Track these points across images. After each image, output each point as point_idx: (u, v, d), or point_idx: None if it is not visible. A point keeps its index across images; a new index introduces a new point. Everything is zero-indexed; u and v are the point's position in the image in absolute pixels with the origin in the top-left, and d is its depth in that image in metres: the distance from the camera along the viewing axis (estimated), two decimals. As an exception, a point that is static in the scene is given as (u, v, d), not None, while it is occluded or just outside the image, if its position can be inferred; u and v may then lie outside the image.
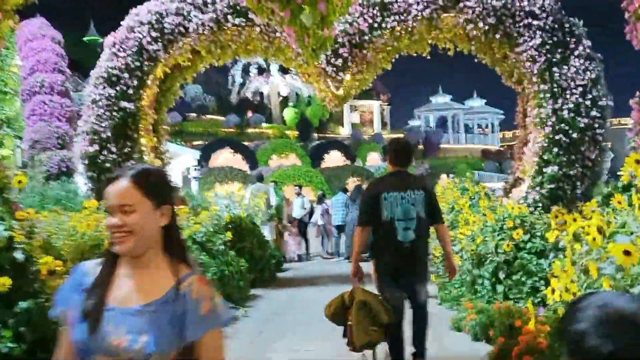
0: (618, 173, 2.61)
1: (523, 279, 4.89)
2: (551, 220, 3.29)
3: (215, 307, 1.30)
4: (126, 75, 7.13)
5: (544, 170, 6.58)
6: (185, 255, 1.37)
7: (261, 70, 35.38)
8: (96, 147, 7.05)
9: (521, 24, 6.76)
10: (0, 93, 13.35)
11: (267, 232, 9.79)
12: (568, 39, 6.71)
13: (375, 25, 7.09)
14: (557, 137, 6.54)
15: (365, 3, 7.04)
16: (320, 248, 12.28)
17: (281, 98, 36.11)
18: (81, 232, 4.46)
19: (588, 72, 6.57)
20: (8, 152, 12.26)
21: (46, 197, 8.94)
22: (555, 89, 6.60)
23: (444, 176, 24.56)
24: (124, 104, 7.08)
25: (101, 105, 7.10)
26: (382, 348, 3.77)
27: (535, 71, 6.69)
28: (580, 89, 6.54)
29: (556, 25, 6.72)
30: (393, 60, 7.81)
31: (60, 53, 13.11)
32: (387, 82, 41.71)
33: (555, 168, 6.50)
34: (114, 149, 7.04)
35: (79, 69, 18.80)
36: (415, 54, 7.77)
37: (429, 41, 7.51)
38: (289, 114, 35.59)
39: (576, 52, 6.64)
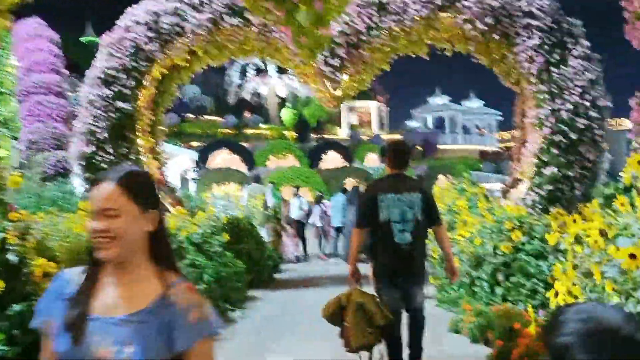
0: (620, 174, 2.58)
1: (522, 281, 4.86)
2: (551, 221, 3.26)
3: (205, 315, 1.25)
4: (122, 75, 7.09)
5: (543, 171, 6.55)
6: (172, 262, 1.32)
7: (259, 71, 35.37)
8: (92, 147, 7.00)
9: (519, 24, 6.73)
10: (-3, 93, 13.28)
11: (265, 233, 9.75)
12: (566, 39, 6.69)
13: (373, 25, 7.06)
14: (555, 138, 6.51)
15: (362, 3, 7.01)
16: (318, 249, 12.24)
17: (279, 99, 36.10)
18: (76, 234, 4.42)
19: (587, 73, 6.55)
20: (4, 153, 12.18)
21: (42, 198, 8.89)
22: (554, 90, 6.57)
23: (441, 177, 24.57)
24: (120, 104, 7.03)
25: (97, 106, 7.05)
26: (379, 349, 3.77)
27: (534, 72, 6.66)
28: (579, 89, 6.51)
29: (555, 26, 6.69)
30: (391, 60, 7.78)
31: (56, 53, 13.06)
32: (385, 83, 41.76)
33: (554, 169, 6.47)
34: (110, 150, 6.99)
35: (76, 70, 18.74)
36: (413, 55, 7.74)
37: (427, 41, 7.48)
38: (286, 115, 35.57)
39: (575, 53, 6.62)
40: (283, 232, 11.22)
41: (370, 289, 3.82)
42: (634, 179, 2.28)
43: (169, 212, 6.99)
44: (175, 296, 1.24)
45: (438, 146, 38.43)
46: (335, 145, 30.53)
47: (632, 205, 2.06)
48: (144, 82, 7.31)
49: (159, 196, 1.35)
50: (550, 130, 6.53)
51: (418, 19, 6.97)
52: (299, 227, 11.79)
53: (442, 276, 6.59)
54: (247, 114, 35.81)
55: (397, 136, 37.49)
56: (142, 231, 1.26)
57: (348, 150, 30.15)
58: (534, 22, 6.68)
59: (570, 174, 6.47)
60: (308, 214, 12.26)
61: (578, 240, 2.27)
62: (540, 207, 6.35)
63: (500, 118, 45.20)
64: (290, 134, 33.54)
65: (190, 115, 34.71)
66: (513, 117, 8.31)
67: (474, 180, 9.35)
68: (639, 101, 5.11)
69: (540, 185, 6.54)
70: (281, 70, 32.52)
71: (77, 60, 20.00)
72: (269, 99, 36.17)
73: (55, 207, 7.62)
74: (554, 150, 6.50)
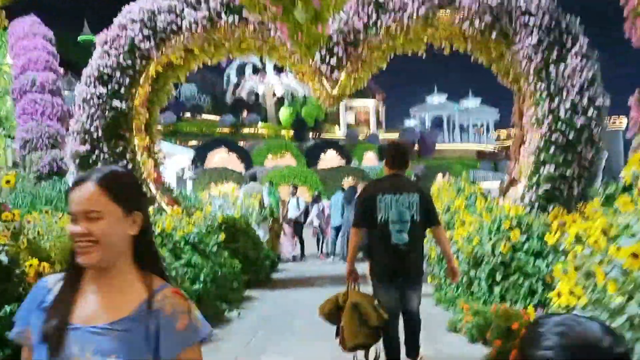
0: (621, 173, 2.55)
1: (520, 280, 4.83)
2: (551, 221, 3.23)
3: (193, 322, 1.19)
4: (118, 73, 7.03)
5: (541, 170, 6.52)
6: (158, 266, 1.26)
7: (256, 70, 35.30)
8: (87, 146, 6.95)
9: (517, 22, 6.70)
10: (-8, 92, 13.20)
11: (262, 233, 9.71)
12: (565, 37, 6.66)
13: (371, 23, 7.02)
14: (553, 137, 6.48)
15: (360, 1, 6.97)
16: (316, 249, 12.20)
17: (276, 98, 36.05)
18: (70, 233, 4.37)
19: (585, 71, 6.52)
20: (-1, 152, 12.12)
21: (37, 197, 8.82)
22: (552, 88, 6.55)
23: (439, 176, 24.55)
24: (115, 102, 6.97)
25: (92, 104, 6.99)
26: (375, 349, 3.77)
27: (532, 70, 6.63)
28: (577, 88, 6.48)
29: (553, 24, 6.66)
30: (388, 59, 7.74)
31: (51, 51, 12.97)
32: (382, 82, 41.76)
33: (552, 168, 6.45)
34: (105, 149, 6.94)
35: (73, 69, 18.67)
36: (410, 53, 7.70)
37: (425, 40, 7.44)
38: (284, 114, 35.52)
39: (573, 51, 6.59)
40: (281, 231, 11.18)
41: (368, 289, 3.81)
42: (634, 178, 2.25)
43: (165, 211, 6.94)
44: (161, 302, 1.18)
45: (436, 145, 38.44)
46: (332, 144, 30.50)
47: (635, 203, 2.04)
48: (140, 80, 7.26)
49: (143, 197, 1.30)
50: (548, 128, 6.50)
51: (416, 17, 6.93)
52: (297, 226, 11.76)
53: (440, 275, 6.57)
54: (244, 113, 35.76)
55: (395, 135, 37.50)
56: (125, 234, 1.20)
57: (345, 149, 30.11)
58: (532, 21, 6.65)
59: (568, 172, 6.44)
60: (305, 213, 12.23)
61: (579, 240, 2.23)
62: (538, 206, 6.32)
63: (497, 117, 45.23)
64: (288, 133, 33.50)
65: (188, 114, 34.64)
66: (511, 116, 8.28)
67: (471, 179, 9.33)
68: (639, 98, 5.09)
69: (538, 184, 6.51)
70: (279, 69, 32.46)
71: (74, 59, 19.92)
72: (266, 98, 36.12)
73: (50, 206, 7.56)
74: (552, 149, 6.47)
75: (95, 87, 7.01)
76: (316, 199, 12.78)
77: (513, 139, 8.36)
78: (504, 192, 7.61)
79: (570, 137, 6.45)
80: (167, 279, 1.25)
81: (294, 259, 11.33)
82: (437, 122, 43.82)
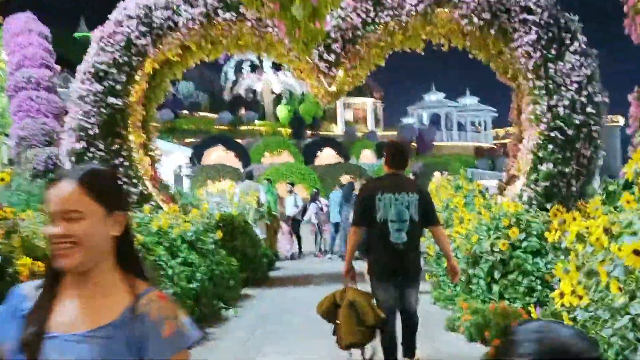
0: (622, 169, 2.53)
1: (519, 278, 4.81)
2: (552, 219, 3.20)
3: (180, 328, 1.13)
4: (114, 70, 6.97)
5: (539, 167, 6.50)
6: (141, 269, 1.19)
7: (254, 68, 35.20)
8: (83, 144, 6.88)
9: (516, 19, 6.67)
10: (-13, 89, 13.10)
11: (258, 231, 9.67)
12: (563, 34, 6.64)
13: (369, 20, 6.97)
14: (552, 134, 6.46)
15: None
16: (314, 246, 12.18)
17: (274, 95, 35.97)
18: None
19: (583, 68, 6.50)
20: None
21: (33, 195, 8.75)
22: (551, 85, 6.52)
23: (437, 174, 24.53)
24: (111, 100, 6.91)
25: (88, 101, 6.93)
26: (372, 347, 3.76)
27: (531, 67, 6.61)
28: (575, 85, 6.46)
29: (551, 21, 6.64)
30: (386, 56, 7.70)
31: (47, 48, 12.87)
32: (380, 79, 41.71)
33: (550, 165, 6.43)
34: (101, 146, 6.88)
35: (69, 66, 18.54)
36: (409, 50, 7.66)
37: (423, 37, 7.41)
38: (282, 111, 35.45)
39: (572, 48, 6.56)
40: (279, 229, 11.14)
41: (365, 287, 3.80)
42: (636, 175, 2.22)
43: (161, 209, 6.89)
44: (146, 307, 1.11)
45: (434, 143, 38.43)
46: (330, 142, 30.44)
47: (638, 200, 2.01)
48: (136, 77, 7.19)
49: (125, 196, 1.24)
50: (546, 126, 6.48)
51: (414, 13, 6.90)
52: (294, 224, 11.72)
53: (438, 273, 6.55)
54: (242, 111, 35.67)
55: (393, 133, 37.49)
56: (107, 235, 1.14)
57: (343, 147, 30.07)
58: (531, 17, 6.62)
59: (567, 170, 6.43)
60: (303, 211, 12.20)
61: (580, 238, 2.20)
62: (536, 203, 6.30)
63: (495, 114, 45.26)
64: (286, 131, 33.44)
65: (185, 112, 34.53)
66: (509, 114, 8.26)
67: (469, 177, 9.30)
68: (638, 96, 5.06)
69: (536, 181, 6.49)
70: (276, 67, 32.38)
71: (71, 57, 19.80)
72: (264, 95, 36.04)
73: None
74: (551, 146, 6.45)
75: (91, 84, 6.95)
76: (314, 197, 12.75)
77: (512, 136, 8.34)
78: (502, 189, 7.59)
79: (569, 134, 6.43)
80: (151, 282, 1.19)
81: (292, 257, 11.30)
82: (435, 120, 43.81)
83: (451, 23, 7.05)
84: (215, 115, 35.04)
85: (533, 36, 6.57)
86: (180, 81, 32.20)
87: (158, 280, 4.62)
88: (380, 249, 3.65)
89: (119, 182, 1.23)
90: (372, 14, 6.97)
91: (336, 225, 11.20)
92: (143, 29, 7.00)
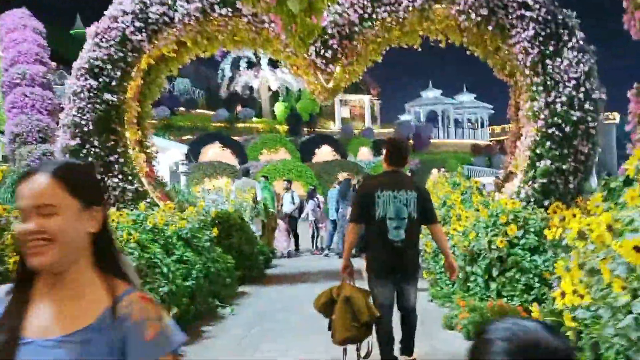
0: (623, 167, 2.50)
1: (517, 276, 4.78)
2: (551, 216, 3.17)
3: (163, 330, 1.06)
4: (109, 66, 6.90)
5: (537, 164, 6.48)
6: (120, 267, 1.13)
7: (251, 64, 35.07)
8: (78, 140, 6.82)
9: (514, 15, 6.63)
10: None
11: (254, 228, 9.63)
12: (561, 31, 6.60)
13: (366, 16, 6.93)
14: (549, 131, 6.44)
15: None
16: (310, 244, 12.14)
17: (271, 92, 35.85)
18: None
19: (581, 65, 6.47)
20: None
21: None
22: (548, 82, 6.49)
23: (434, 171, 24.51)
24: (107, 96, 6.85)
25: (83, 98, 6.86)
26: (368, 343, 3.74)
27: (528, 63, 6.57)
28: (573, 81, 6.44)
29: (549, 17, 6.60)
30: (384, 52, 7.66)
31: (41, 44, 12.77)
32: (377, 76, 41.64)
33: (548, 162, 6.41)
34: (96, 143, 6.81)
35: (65, 63, 18.42)
36: (406, 46, 7.62)
37: (420, 33, 7.36)
38: (279, 108, 35.35)
39: (569, 45, 6.53)
40: (277, 226, 11.09)
41: (363, 285, 3.78)
42: (637, 172, 2.18)
43: (157, 206, 6.84)
44: (127, 308, 1.05)
45: (430, 140, 38.40)
46: (327, 139, 30.37)
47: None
48: (132, 73, 7.13)
49: (102, 190, 1.19)
50: (544, 122, 6.46)
51: (412, 9, 6.85)
52: (291, 221, 11.68)
53: (436, 271, 6.53)
54: (239, 108, 35.55)
55: (390, 130, 37.46)
56: (84, 231, 1.07)
57: (340, 144, 30.01)
58: (529, 14, 6.58)
59: (564, 167, 6.41)
60: (300, 208, 12.16)
61: (581, 235, 2.17)
62: (534, 200, 6.28)
63: (491, 112, 45.27)
64: (283, 128, 33.35)
65: (181, 109, 34.39)
66: (506, 111, 8.23)
67: (466, 174, 9.29)
68: (636, 92, 5.03)
69: (534, 178, 6.47)
70: (273, 64, 32.28)
71: (66, 53, 19.67)
72: (261, 92, 35.92)
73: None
74: (548, 143, 6.43)
75: (86, 80, 6.88)
76: (311, 194, 12.71)
77: (509, 133, 8.31)
78: (500, 186, 7.57)
79: (567, 131, 6.41)
80: (131, 282, 1.13)
81: (289, 254, 11.26)
82: (432, 117, 43.77)
83: (448, 19, 7.01)
84: (211, 112, 34.91)
85: (531, 32, 6.54)
86: (177, 78, 32.07)
87: (153, 278, 4.58)
88: (378, 246, 3.64)
89: (95, 176, 1.17)
90: (369, 10, 6.92)
91: (334, 223, 11.18)
92: (138, 24, 6.93)
